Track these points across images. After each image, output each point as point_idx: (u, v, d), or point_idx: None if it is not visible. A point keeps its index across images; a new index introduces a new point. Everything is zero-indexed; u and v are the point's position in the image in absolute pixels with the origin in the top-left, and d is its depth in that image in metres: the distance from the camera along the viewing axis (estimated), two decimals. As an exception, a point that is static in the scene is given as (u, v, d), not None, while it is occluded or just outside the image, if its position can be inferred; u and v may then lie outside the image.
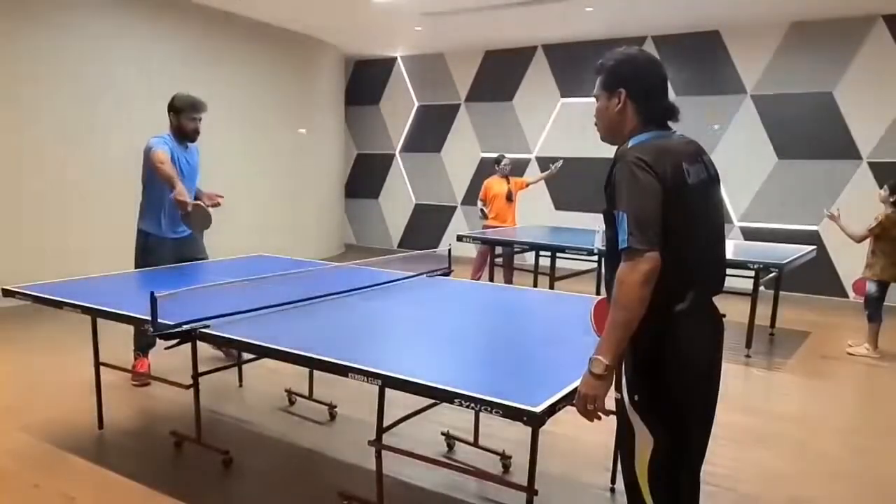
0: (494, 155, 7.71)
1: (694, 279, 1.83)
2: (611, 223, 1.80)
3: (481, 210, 7.38)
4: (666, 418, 1.83)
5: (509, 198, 7.35)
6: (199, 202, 4.02)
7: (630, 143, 1.85)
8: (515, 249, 7.27)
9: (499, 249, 7.08)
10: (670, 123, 1.92)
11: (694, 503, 2.02)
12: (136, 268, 4.18)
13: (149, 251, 4.20)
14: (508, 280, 7.20)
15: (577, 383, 1.89)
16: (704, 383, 1.91)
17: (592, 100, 2.00)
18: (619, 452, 1.98)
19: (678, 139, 1.89)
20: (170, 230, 4.22)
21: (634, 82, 1.87)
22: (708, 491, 3.00)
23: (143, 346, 4.26)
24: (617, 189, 1.75)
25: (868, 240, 5.43)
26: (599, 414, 1.74)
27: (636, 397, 1.83)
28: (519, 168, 9.88)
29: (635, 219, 1.68)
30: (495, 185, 7.38)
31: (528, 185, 7.65)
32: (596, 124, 1.99)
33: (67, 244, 6.52)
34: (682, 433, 1.87)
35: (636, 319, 1.68)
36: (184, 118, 4.17)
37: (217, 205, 4.28)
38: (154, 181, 4.09)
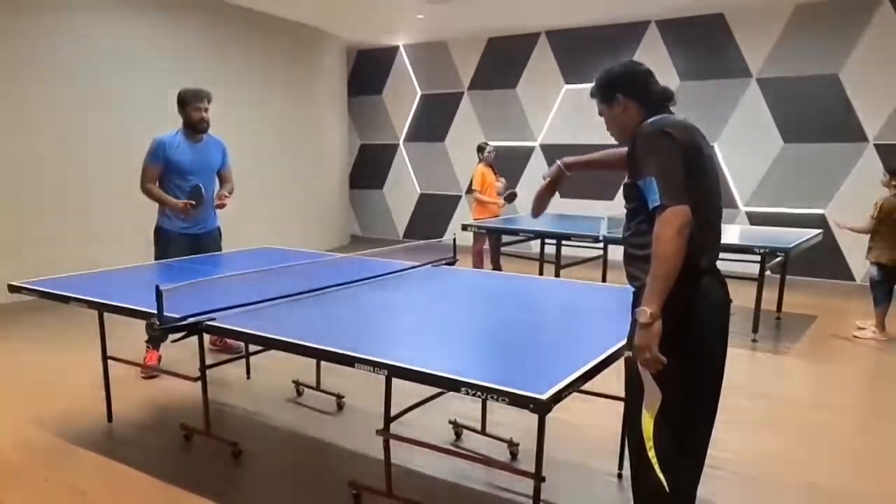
0: (498, 143, 7.58)
1: (708, 242, 1.95)
2: (632, 196, 1.94)
3: (506, 196, 7.07)
4: (676, 375, 1.89)
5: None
6: (188, 202, 4.15)
7: (646, 122, 1.97)
8: (503, 240, 7.18)
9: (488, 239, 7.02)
10: (673, 110, 2.06)
11: (699, 466, 2.07)
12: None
13: (163, 246, 4.29)
14: (497, 267, 7.14)
15: (582, 370, 1.94)
16: (716, 343, 2.00)
17: None
18: (627, 410, 2.05)
19: (685, 121, 2.02)
20: (182, 226, 4.26)
21: (624, 83, 2.05)
22: (715, 475, 3.01)
23: (154, 337, 4.29)
24: (640, 159, 1.88)
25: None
26: (659, 358, 1.82)
27: None
28: (523, 156, 9.87)
29: (663, 178, 1.82)
30: (488, 173, 7.26)
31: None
32: (612, 135, 2.13)
33: (74, 240, 6.55)
34: (692, 391, 1.94)
35: (676, 270, 1.79)
36: (189, 109, 4.25)
37: (222, 205, 4.38)
38: (162, 178, 4.23)
